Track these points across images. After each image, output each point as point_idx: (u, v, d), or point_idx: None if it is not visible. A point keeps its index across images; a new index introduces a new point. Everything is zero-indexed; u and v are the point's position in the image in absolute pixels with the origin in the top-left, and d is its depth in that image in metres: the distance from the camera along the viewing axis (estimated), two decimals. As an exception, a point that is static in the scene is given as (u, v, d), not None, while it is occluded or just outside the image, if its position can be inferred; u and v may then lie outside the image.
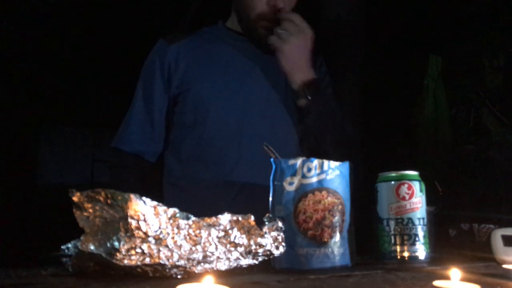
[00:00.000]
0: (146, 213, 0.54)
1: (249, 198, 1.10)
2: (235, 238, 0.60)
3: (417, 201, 0.80)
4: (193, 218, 0.58)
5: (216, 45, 1.24)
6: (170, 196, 1.22)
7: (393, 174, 0.83)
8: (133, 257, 0.53)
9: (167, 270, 0.57)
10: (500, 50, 2.04)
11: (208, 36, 1.26)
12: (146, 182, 1.23)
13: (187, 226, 0.57)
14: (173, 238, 0.56)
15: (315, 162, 0.75)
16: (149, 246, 0.54)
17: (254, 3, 1.14)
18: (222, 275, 0.59)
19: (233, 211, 0.61)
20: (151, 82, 1.21)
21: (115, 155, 1.24)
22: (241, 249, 0.61)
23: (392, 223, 0.80)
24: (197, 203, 1.06)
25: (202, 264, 0.58)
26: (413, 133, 2.29)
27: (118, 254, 0.53)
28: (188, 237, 0.57)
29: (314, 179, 0.74)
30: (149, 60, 1.24)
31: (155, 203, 0.55)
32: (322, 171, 0.75)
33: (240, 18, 1.22)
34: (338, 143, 1.14)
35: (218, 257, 0.59)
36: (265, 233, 0.63)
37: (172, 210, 0.56)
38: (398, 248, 0.80)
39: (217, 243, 0.59)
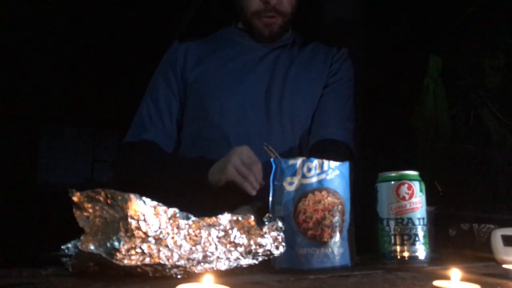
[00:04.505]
0: (146, 213, 0.54)
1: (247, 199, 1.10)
2: (235, 238, 0.60)
3: (417, 201, 0.80)
4: (193, 218, 0.58)
5: (224, 44, 1.26)
6: (178, 194, 1.21)
7: (393, 174, 0.83)
8: (133, 257, 0.53)
9: (167, 270, 0.57)
10: (500, 50, 2.04)
11: (219, 37, 1.29)
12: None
13: (187, 226, 0.57)
14: (173, 238, 0.56)
15: (315, 162, 0.75)
16: (149, 246, 0.54)
17: (249, 2, 1.16)
18: (222, 275, 0.59)
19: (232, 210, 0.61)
20: (163, 79, 1.23)
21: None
22: (241, 249, 0.61)
23: (392, 223, 0.80)
24: (201, 201, 1.06)
25: (202, 264, 0.58)
26: (413, 133, 2.29)
27: (118, 254, 0.53)
28: (188, 237, 0.57)
29: (314, 179, 0.74)
30: (161, 61, 1.27)
31: (155, 203, 0.55)
32: (322, 171, 0.75)
33: (240, 18, 1.24)
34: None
35: (218, 257, 0.59)
36: (265, 233, 0.63)
37: (172, 210, 0.56)
38: (398, 248, 0.80)
39: (217, 243, 0.59)
